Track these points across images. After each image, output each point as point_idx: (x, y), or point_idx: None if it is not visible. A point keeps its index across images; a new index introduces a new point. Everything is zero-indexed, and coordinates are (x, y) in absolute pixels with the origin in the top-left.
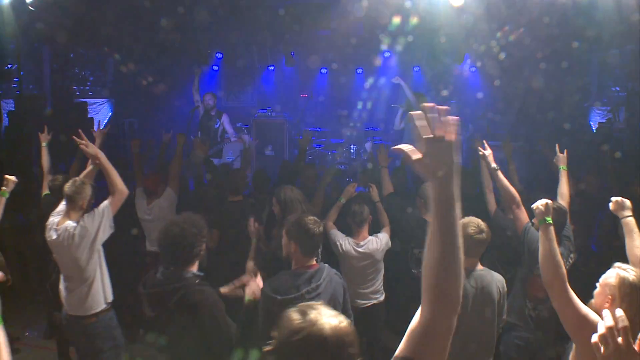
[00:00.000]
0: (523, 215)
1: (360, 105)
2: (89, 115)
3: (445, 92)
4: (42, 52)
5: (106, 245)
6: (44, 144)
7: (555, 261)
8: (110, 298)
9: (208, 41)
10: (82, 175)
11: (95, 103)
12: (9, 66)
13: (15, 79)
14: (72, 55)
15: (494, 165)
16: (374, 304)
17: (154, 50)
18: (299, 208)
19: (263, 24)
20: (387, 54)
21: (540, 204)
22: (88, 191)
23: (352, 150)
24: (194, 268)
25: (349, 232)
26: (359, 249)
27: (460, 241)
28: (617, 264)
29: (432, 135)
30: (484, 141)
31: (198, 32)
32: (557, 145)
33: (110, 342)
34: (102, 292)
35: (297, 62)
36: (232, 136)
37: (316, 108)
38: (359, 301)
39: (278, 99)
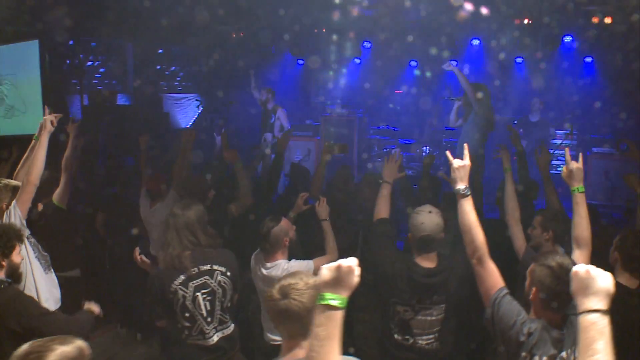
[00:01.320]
0: (490, 275)
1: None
2: (165, 110)
3: (450, 91)
4: (126, 49)
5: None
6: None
7: None
8: (52, 305)
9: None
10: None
11: (183, 98)
12: (90, 63)
13: (96, 75)
14: (160, 51)
15: (461, 186)
16: None
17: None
18: (173, 236)
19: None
20: (475, 42)
21: None
22: (6, 192)
23: (424, 153)
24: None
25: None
26: (264, 271)
27: None
28: None
29: None
30: (465, 146)
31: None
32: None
33: None
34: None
35: (381, 53)
36: None
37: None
38: (269, 335)
39: (361, 94)
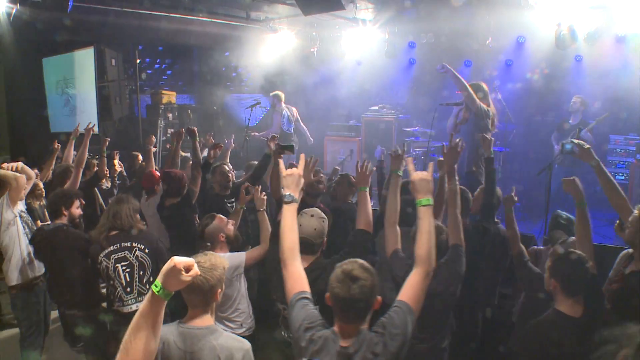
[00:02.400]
0: (291, 278)
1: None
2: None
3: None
4: (193, 52)
5: None
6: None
7: None
8: (20, 278)
9: None
10: None
11: (249, 98)
12: (157, 65)
13: (163, 77)
14: (227, 53)
15: (286, 193)
16: None
17: None
18: (104, 220)
19: None
20: (521, 39)
21: None
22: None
23: None
24: None
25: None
26: None
27: None
28: None
29: None
30: (302, 156)
31: None
32: None
33: (26, 318)
34: (16, 269)
35: (434, 54)
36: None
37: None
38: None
39: (412, 95)
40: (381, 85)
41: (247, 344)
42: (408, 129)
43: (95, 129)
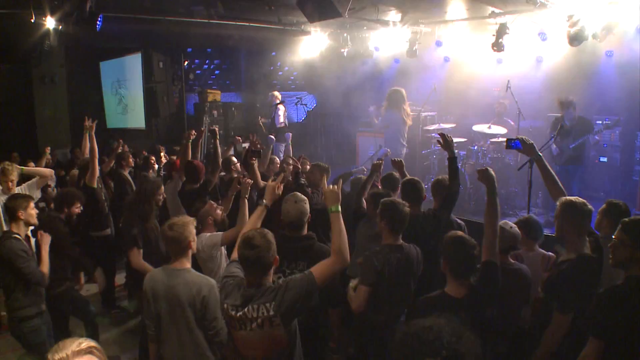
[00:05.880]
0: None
1: None
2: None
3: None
4: (240, 54)
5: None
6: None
7: None
8: None
9: None
10: None
11: (294, 96)
12: (205, 66)
13: (212, 76)
14: (273, 53)
15: (261, 201)
16: None
17: None
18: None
19: None
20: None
21: None
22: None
23: (473, 150)
24: None
25: None
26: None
27: None
28: None
29: None
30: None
31: None
32: None
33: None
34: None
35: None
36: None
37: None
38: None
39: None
40: (419, 82)
41: (212, 281)
42: (427, 127)
43: (138, 126)
